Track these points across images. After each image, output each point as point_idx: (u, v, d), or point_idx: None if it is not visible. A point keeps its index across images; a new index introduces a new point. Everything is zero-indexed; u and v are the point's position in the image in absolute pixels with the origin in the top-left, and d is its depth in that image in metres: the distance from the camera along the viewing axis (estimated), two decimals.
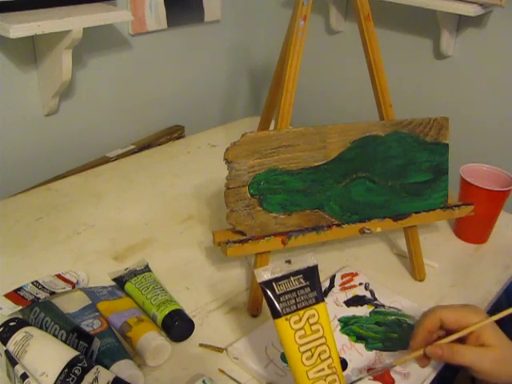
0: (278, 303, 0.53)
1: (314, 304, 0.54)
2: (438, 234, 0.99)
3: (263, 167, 0.71)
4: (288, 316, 0.53)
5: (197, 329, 0.73)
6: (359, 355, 0.70)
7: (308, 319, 0.54)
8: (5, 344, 0.62)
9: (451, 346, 0.62)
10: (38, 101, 1.15)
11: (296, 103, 0.74)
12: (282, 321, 0.53)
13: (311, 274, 0.55)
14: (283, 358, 0.69)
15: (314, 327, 0.54)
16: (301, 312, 0.53)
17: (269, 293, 0.53)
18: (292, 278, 0.53)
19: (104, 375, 0.59)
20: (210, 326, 0.75)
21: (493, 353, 0.61)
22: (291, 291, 0.53)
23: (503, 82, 1.22)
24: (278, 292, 0.52)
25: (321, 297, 0.55)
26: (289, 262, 0.55)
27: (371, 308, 0.79)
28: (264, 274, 0.54)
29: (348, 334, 0.74)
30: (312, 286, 0.54)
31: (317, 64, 1.55)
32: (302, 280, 0.53)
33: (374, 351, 0.71)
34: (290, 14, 0.73)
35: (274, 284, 0.52)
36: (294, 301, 0.53)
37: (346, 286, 0.83)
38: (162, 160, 1.21)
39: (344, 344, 0.72)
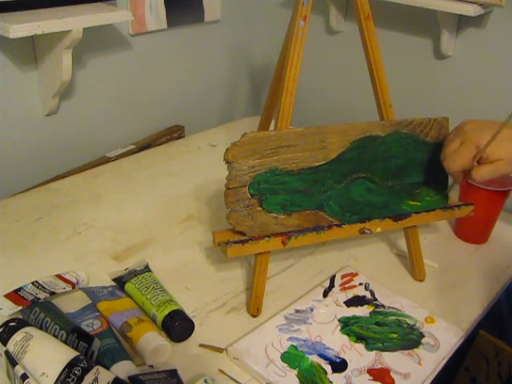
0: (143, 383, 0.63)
1: None
2: (438, 234, 0.99)
3: (263, 167, 0.71)
4: None
5: (197, 329, 0.73)
6: (359, 355, 0.70)
7: None
8: (5, 344, 0.62)
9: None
10: (38, 101, 1.15)
11: (296, 103, 0.74)
12: None
13: (172, 372, 0.65)
14: (283, 358, 0.69)
15: None
16: None
17: (135, 379, 0.63)
18: (156, 374, 0.64)
19: (104, 375, 0.59)
20: (210, 326, 0.75)
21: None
22: (155, 378, 0.64)
23: (503, 82, 1.22)
24: (142, 379, 0.63)
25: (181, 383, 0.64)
26: (151, 366, 0.67)
27: (371, 308, 0.79)
28: (131, 372, 0.65)
29: (348, 335, 0.74)
30: (173, 376, 0.65)
31: (317, 64, 1.54)
32: (163, 374, 0.65)
33: (374, 351, 0.71)
34: (290, 13, 0.73)
35: (139, 376, 0.63)
36: (157, 382, 0.63)
37: (346, 286, 0.83)
38: (162, 160, 1.21)
39: (344, 344, 0.72)
